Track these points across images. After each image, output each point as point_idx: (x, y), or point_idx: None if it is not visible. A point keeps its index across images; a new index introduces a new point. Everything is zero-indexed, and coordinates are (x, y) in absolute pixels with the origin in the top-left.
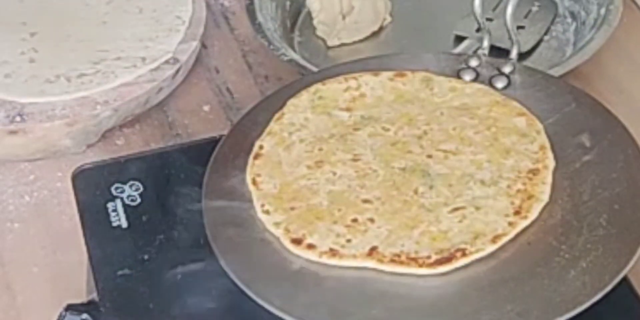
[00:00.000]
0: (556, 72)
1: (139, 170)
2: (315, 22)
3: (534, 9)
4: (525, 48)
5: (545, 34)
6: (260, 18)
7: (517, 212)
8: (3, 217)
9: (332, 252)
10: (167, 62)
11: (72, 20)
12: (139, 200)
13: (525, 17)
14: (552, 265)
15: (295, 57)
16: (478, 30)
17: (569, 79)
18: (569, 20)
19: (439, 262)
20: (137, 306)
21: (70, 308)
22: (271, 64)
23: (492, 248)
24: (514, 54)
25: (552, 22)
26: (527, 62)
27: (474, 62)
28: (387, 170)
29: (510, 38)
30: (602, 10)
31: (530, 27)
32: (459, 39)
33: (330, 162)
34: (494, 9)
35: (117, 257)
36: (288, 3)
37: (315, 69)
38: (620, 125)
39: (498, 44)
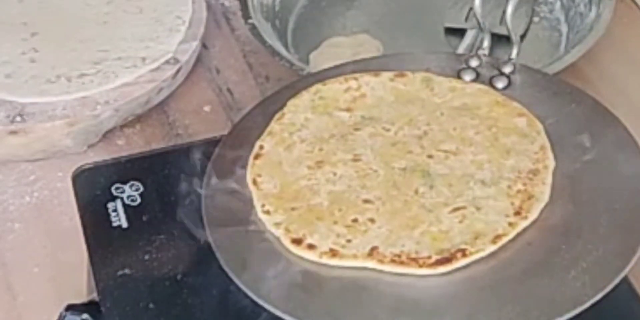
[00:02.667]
0: (552, 69)
1: (139, 170)
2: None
3: None
4: (520, 32)
5: (532, 15)
6: (267, 38)
7: (517, 213)
8: (4, 217)
9: (333, 253)
10: (167, 62)
11: (72, 20)
12: (139, 200)
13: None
14: (552, 265)
15: (277, 45)
16: (467, 18)
17: (569, 79)
18: None
19: (440, 263)
20: (137, 306)
21: (70, 308)
22: (272, 64)
23: (492, 248)
24: (514, 54)
25: (535, 3)
26: (526, 45)
27: (474, 62)
28: (388, 171)
29: (510, 38)
30: (592, 20)
31: (515, 11)
32: (450, 31)
33: (330, 162)
34: None
35: (117, 257)
36: (277, 22)
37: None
38: (621, 125)
39: (493, 30)
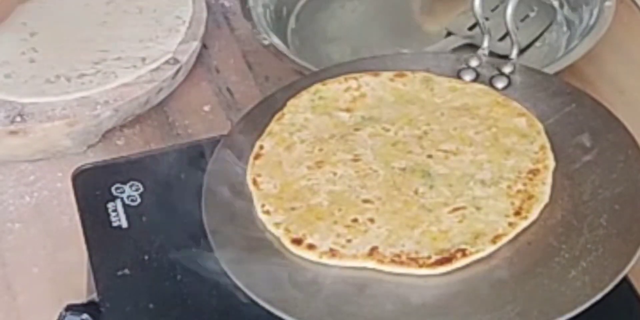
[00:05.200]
0: (552, 69)
1: (139, 170)
2: None
3: (532, 14)
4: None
5: (537, 39)
6: (251, 2)
7: (517, 213)
8: (3, 217)
9: (332, 252)
10: (167, 62)
11: (72, 20)
12: (139, 200)
13: (522, 20)
14: (552, 265)
15: (276, 41)
16: (471, 28)
17: (569, 79)
18: (564, 28)
19: (439, 263)
20: (137, 306)
21: (70, 308)
22: (271, 64)
23: (492, 248)
24: (514, 54)
25: (547, 29)
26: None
27: (474, 62)
28: (388, 171)
29: (510, 38)
30: (592, 20)
31: (522, 30)
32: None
33: (330, 162)
34: (493, 10)
35: (117, 257)
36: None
37: (292, 57)
38: (621, 125)
39: (493, 50)
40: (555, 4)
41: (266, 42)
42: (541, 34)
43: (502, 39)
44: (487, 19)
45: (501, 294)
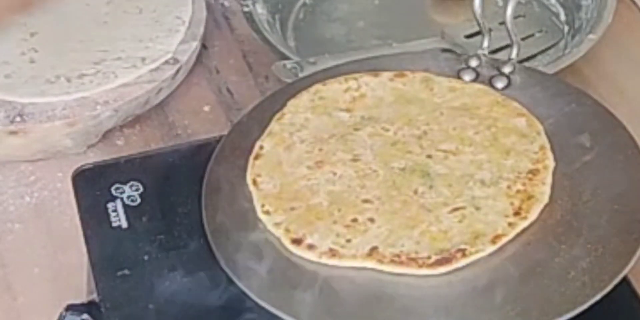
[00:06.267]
0: (552, 69)
1: (139, 170)
2: None
3: (537, 35)
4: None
5: (531, 58)
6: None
7: (517, 213)
8: (3, 217)
9: (332, 252)
10: (167, 62)
11: (72, 21)
12: (139, 200)
13: (524, 39)
14: (552, 266)
15: (260, 10)
16: (469, 36)
17: (568, 79)
18: (560, 53)
19: (439, 263)
20: (137, 306)
21: (70, 308)
22: (272, 64)
23: (492, 248)
24: (514, 54)
25: (545, 51)
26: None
27: (474, 62)
28: (387, 171)
29: (510, 38)
30: (592, 20)
31: (522, 48)
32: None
33: (330, 162)
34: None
35: (117, 257)
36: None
37: (293, 56)
38: (620, 125)
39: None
40: (565, 28)
41: (246, 9)
42: (537, 54)
43: (495, 51)
44: (490, 29)
45: (501, 294)
